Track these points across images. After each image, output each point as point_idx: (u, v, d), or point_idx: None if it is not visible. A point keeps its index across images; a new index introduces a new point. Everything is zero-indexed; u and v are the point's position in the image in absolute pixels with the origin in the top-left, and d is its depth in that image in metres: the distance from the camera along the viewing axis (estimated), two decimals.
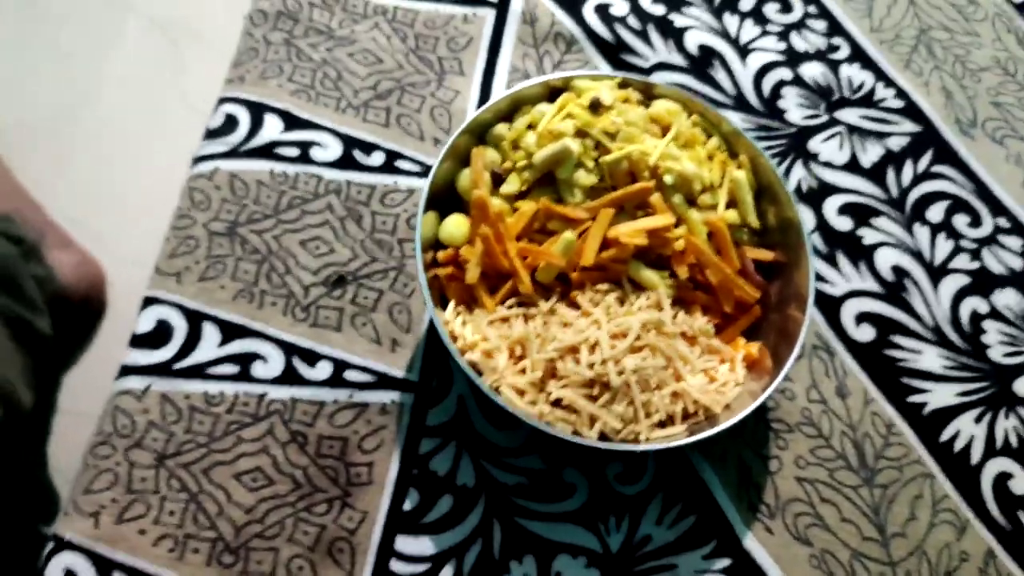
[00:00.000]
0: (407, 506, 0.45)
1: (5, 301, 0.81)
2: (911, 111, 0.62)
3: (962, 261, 0.56)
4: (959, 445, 0.51)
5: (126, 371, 0.47)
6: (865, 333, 0.53)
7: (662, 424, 0.44)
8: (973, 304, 0.55)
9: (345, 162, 0.54)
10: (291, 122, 0.55)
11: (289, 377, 0.47)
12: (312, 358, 0.48)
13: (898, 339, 0.53)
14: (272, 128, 0.54)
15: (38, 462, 0.97)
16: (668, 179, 0.47)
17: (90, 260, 1.04)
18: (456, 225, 0.47)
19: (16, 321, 0.82)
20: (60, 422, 1.02)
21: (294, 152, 0.54)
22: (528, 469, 0.47)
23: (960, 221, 0.58)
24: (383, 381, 0.48)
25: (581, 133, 0.48)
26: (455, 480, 0.46)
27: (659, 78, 0.60)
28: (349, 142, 0.55)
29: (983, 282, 0.56)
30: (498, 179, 0.48)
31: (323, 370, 0.48)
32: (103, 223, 1.10)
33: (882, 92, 0.62)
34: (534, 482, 0.47)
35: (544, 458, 0.47)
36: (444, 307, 0.46)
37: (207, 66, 1.18)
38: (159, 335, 0.48)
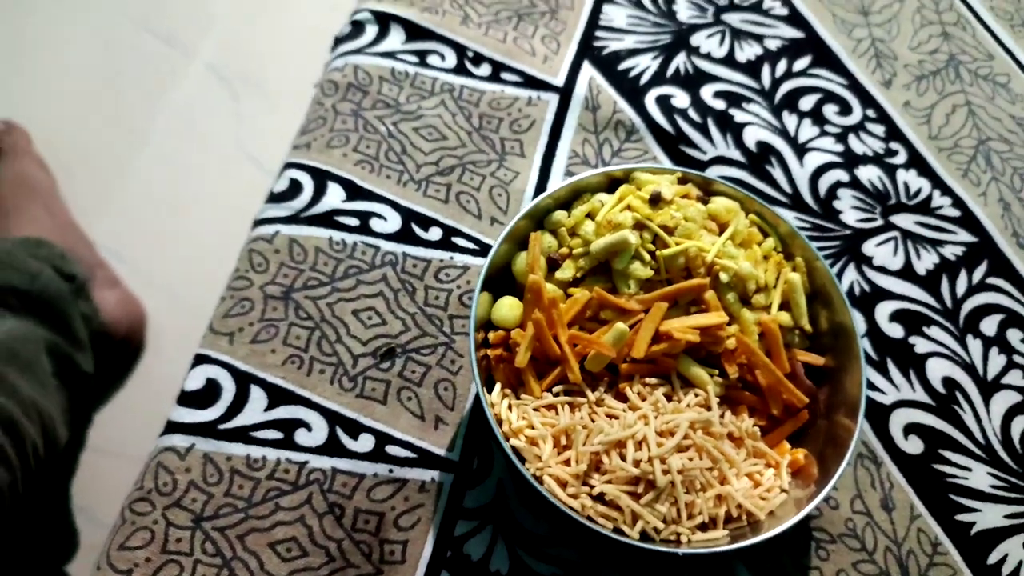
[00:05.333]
0: None
1: (54, 338, 0.83)
2: (967, 220, 0.61)
3: (1015, 377, 0.55)
4: (1007, 570, 0.49)
5: (171, 428, 0.47)
6: (914, 445, 0.52)
7: (703, 526, 0.43)
8: None
9: (403, 235, 0.55)
10: (353, 192, 0.56)
11: (331, 447, 0.47)
12: (355, 429, 0.48)
13: (947, 454, 0.52)
14: (334, 196, 0.55)
15: (61, 498, 0.98)
16: (724, 277, 0.47)
17: (133, 299, 1.06)
18: (509, 308, 0.47)
19: (63, 359, 0.83)
20: (87, 459, 1.02)
21: (354, 222, 0.55)
22: (563, 560, 0.46)
23: (1015, 336, 0.57)
24: (424, 458, 0.48)
25: (639, 225, 0.48)
26: (488, 566, 0.46)
27: (716, 172, 0.61)
28: (408, 215, 0.56)
29: None
30: (553, 264, 0.49)
31: (365, 443, 0.48)
32: (146, 261, 1.12)
33: (939, 200, 0.62)
34: (568, 575, 0.46)
35: (580, 551, 0.46)
36: (490, 388, 0.46)
37: (263, 118, 1.21)
38: (207, 394, 0.48)
